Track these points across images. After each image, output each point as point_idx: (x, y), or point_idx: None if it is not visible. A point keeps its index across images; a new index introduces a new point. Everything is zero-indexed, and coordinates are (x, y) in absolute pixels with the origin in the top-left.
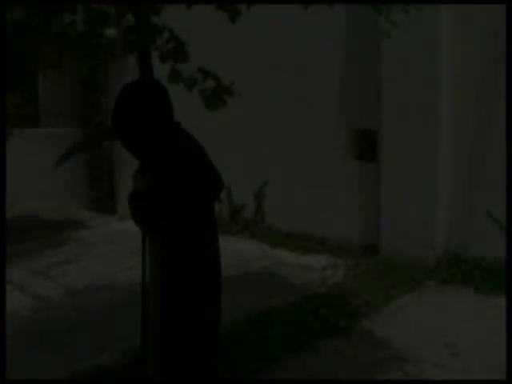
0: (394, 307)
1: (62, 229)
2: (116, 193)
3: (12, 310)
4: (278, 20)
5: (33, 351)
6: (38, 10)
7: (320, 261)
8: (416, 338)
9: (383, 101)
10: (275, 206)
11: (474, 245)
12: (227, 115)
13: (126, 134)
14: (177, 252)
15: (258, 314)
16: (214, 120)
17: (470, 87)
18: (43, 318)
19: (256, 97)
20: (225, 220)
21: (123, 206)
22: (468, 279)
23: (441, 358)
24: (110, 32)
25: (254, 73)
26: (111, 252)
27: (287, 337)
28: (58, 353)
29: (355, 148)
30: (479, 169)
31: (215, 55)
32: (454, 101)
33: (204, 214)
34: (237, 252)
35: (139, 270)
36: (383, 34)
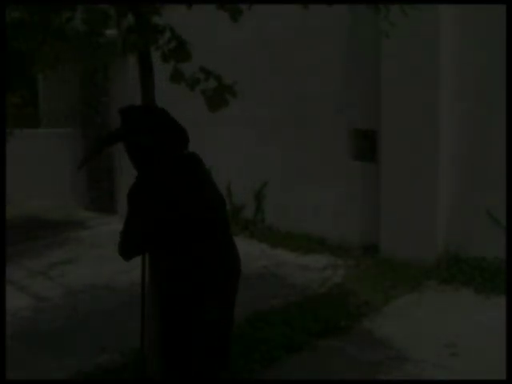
0: (394, 307)
1: (62, 229)
2: (116, 193)
3: (12, 310)
4: (279, 20)
5: (33, 351)
6: (38, 9)
7: (320, 261)
8: (416, 337)
9: (383, 101)
10: (275, 205)
11: (473, 245)
12: (227, 115)
13: (138, 151)
14: (162, 255)
15: (257, 314)
16: (214, 120)
17: (470, 87)
18: (43, 318)
19: (256, 97)
20: None
21: (123, 206)
22: (468, 279)
23: (441, 357)
24: (111, 32)
25: (254, 73)
26: (111, 252)
27: (287, 337)
28: (58, 353)
29: (355, 148)
30: (479, 169)
31: (215, 55)
32: (454, 101)
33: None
34: None
35: (139, 271)
36: (382, 34)
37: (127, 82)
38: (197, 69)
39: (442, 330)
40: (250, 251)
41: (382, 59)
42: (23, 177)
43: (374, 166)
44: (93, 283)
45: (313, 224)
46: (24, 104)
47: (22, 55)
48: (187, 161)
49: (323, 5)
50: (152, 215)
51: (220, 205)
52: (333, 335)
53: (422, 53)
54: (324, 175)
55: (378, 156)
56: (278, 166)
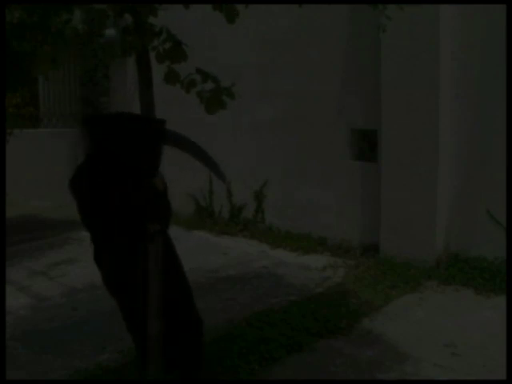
0: (394, 307)
1: (62, 229)
2: None
3: (12, 310)
4: (279, 20)
5: (33, 351)
6: (38, 9)
7: (320, 261)
8: (416, 337)
9: (383, 101)
10: (275, 205)
11: (474, 245)
12: (227, 115)
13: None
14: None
15: (257, 314)
16: (214, 120)
17: (470, 87)
18: (43, 317)
19: (256, 97)
20: (225, 220)
21: None
22: (468, 279)
23: (441, 357)
24: (110, 32)
25: (255, 73)
26: None
27: (287, 337)
28: (58, 353)
29: (355, 148)
30: (479, 169)
31: (215, 55)
32: (454, 101)
33: None
34: (237, 252)
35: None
36: (380, 28)
37: (127, 82)
38: (194, 70)
39: (442, 330)
40: (250, 251)
41: (382, 59)
42: (23, 177)
43: (373, 165)
44: (93, 283)
45: (313, 224)
46: (24, 104)
47: (22, 55)
48: None
49: (323, 5)
50: None
51: None
52: (333, 335)
53: (422, 53)
54: (324, 175)
55: (378, 156)
56: (278, 165)
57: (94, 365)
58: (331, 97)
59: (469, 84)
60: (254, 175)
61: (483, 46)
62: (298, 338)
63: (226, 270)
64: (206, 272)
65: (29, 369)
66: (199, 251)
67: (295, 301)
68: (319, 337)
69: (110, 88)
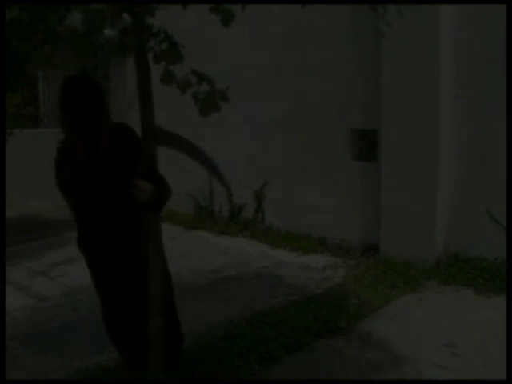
0: (394, 307)
1: (61, 229)
2: None
3: (12, 310)
4: (279, 20)
5: (33, 351)
6: (32, 8)
7: (320, 261)
8: (416, 337)
9: (383, 101)
10: (275, 206)
11: (474, 245)
12: (227, 115)
13: None
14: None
15: (257, 314)
16: (214, 120)
17: (470, 87)
18: (43, 317)
19: (256, 97)
20: (225, 220)
21: None
22: (468, 279)
23: (441, 357)
24: (109, 32)
25: (255, 73)
26: None
27: (287, 337)
28: (58, 353)
29: (355, 148)
30: (479, 169)
31: (215, 55)
32: (454, 101)
33: None
34: (237, 252)
35: None
36: (378, 34)
37: (127, 82)
38: (190, 71)
39: (442, 330)
40: (250, 251)
41: (382, 59)
42: (23, 177)
43: (374, 165)
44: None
45: (313, 224)
46: (24, 104)
47: (22, 55)
48: None
49: (324, 5)
50: None
51: None
52: (333, 335)
53: (422, 53)
54: (324, 175)
55: (378, 156)
56: (278, 165)
57: (94, 365)
58: (331, 97)
59: (469, 84)
60: (254, 175)
61: (483, 46)
62: (298, 338)
63: (226, 269)
64: (206, 272)
65: (29, 369)
66: (199, 251)
67: (295, 301)
68: (319, 337)
69: (110, 88)
